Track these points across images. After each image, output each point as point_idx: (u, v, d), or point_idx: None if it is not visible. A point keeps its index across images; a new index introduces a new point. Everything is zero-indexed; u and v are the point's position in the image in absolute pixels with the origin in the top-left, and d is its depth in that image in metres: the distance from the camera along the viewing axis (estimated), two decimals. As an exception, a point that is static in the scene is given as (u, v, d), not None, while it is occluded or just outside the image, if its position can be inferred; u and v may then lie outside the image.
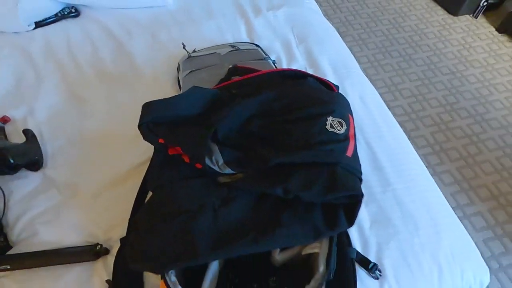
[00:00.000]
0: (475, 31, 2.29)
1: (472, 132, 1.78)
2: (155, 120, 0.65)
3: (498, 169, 1.65)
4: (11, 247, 0.74)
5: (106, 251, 0.73)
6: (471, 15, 2.38)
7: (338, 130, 0.61)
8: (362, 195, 0.59)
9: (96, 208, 0.79)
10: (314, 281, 0.50)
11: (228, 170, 0.61)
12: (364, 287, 0.66)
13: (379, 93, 1.16)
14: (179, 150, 0.62)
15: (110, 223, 0.76)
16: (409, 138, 1.94)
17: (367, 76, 1.24)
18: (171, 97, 0.69)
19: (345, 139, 0.61)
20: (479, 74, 2.04)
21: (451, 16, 2.38)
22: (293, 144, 0.60)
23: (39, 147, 0.86)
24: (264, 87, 0.71)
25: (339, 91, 0.89)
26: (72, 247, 0.73)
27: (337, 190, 0.55)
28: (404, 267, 0.68)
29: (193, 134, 0.61)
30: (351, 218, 0.57)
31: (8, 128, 0.93)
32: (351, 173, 0.59)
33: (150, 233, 0.54)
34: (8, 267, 0.69)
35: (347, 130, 0.62)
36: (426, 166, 1.70)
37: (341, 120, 0.62)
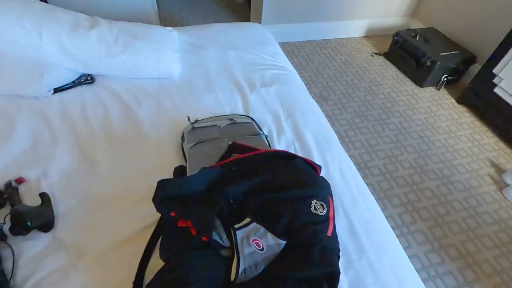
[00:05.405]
0: (439, 101, 2.61)
1: (440, 193, 1.95)
2: (167, 195, 0.77)
3: (464, 229, 1.79)
4: (16, 309, 0.79)
5: (109, 313, 0.79)
6: (435, 87, 2.73)
7: (321, 212, 0.74)
8: (339, 272, 0.70)
9: (101, 269, 0.85)
10: None
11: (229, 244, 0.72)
12: None
13: (358, 153, 1.31)
14: (188, 224, 0.73)
15: (115, 285, 0.83)
16: (385, 197, 2.10)
17: (347, 138, 1.40)
18: (183, 177, 0.81)
19: (326, 220, 0.75)
20: (444, 140, 2.29)
21: (418, 87, 2.72)
22: (283, 225, 0.73)
23: (53, 211, 0.93)
24: (261, 164, 0.86)
25: (321, 170, 1.05)
26: (78, 309, 0.78)
27: (317, 267, 0.67)
28: (378, 330, 0.78)
29: (202, 212, 0.73)
30: (333, 290, 0.69)
31: (21, 188, 1.01)
32: (330, 251, 0.71)
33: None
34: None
35: (328, 212, 0.76)
36: (401, 225, 1.83)
37: (323, 203, 0.76)
